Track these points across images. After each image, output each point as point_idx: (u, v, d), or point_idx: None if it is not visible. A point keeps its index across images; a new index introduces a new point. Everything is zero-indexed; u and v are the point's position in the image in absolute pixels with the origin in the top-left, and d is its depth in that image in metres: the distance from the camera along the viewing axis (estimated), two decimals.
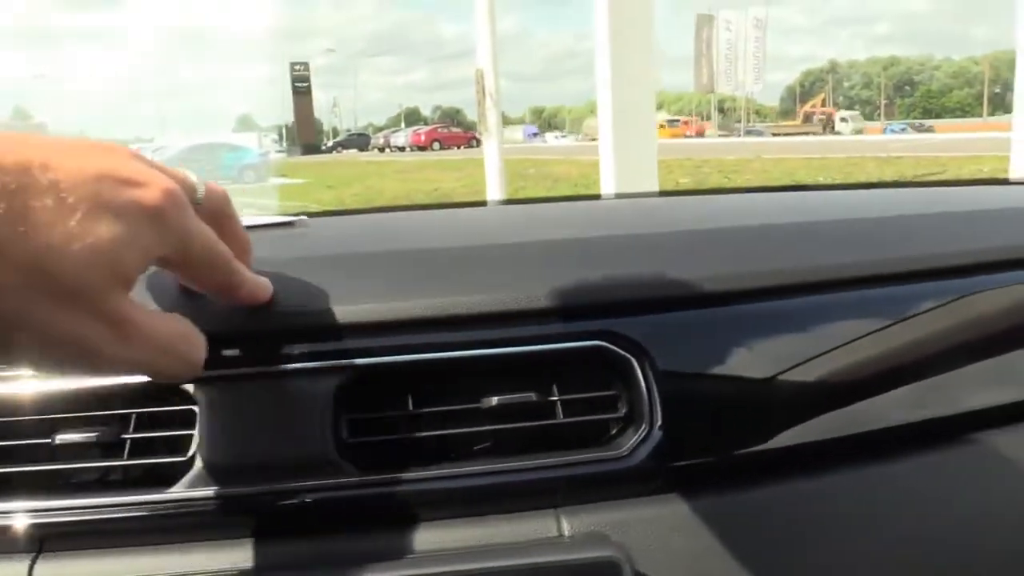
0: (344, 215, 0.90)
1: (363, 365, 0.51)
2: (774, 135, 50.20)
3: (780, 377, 0.54)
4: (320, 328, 0.51)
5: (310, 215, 0.71)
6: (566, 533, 0.49)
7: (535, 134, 66.18)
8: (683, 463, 0.52)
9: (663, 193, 1.92)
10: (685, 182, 13.46)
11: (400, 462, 0.50)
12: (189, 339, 0.43)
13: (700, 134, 56.47)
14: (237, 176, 21.81)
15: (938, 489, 0.57)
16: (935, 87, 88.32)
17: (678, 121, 62.37)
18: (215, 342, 0.49)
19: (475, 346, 0.52)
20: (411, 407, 0.52)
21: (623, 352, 0.52)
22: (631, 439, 0.51)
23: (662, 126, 57.53)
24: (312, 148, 50.61)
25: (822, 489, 0.55)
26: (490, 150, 7.84)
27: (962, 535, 0.57)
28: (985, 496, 0.59)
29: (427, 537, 0.49)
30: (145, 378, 0.50)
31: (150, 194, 0.37)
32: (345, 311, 0.52)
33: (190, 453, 0.49)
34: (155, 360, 0.40)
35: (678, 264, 0.58)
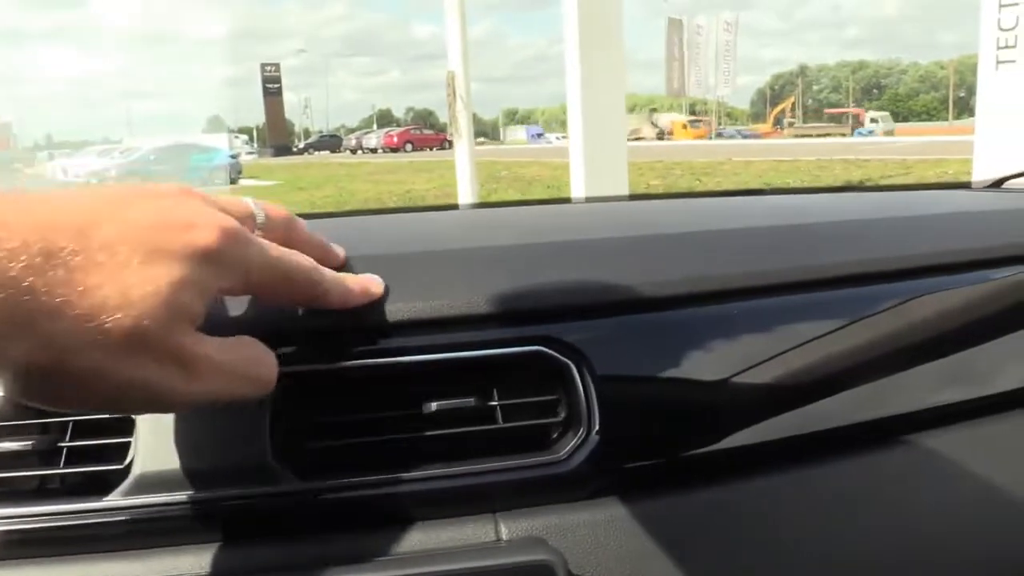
0: (308, 218, 0.90)
1: (302, 371, 0.51)
2: (798, 137, 48.19)
3: (718, 381, 0.55)
4: (258, 334, 0.51)
5: None
6: (504, 537, 0.50)
7: (539, 135, 65.83)
8: (622, 467, 0.53)
9: (633, 197, 1.94)
10: (656, 184, 13.55)
11: (339, 468, 0.50)
12: (260, 361, 0.43)
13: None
14: (207, 178, 21.60)
15: (882, 489, 0.58)
16: (902, 91, 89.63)
17: (699, 122, 58.02)
18: None
19: (415, 352, 0.52)
20: (350, 413, 0.52)
21: (562, 357, 0.53)
22: (569, 443, 0.52)
23: (684, 127, 53.58)
24: (283, 150, 50.23)
25: (762, 491, 0.55)
26: (461, 153, 7.86)
27: (911, 533, 0.58)
28: (935, 494, 0.60)
29: (364, 543, 0.49)
30: None
31: (204, 235, 0.38)
32: (284, 316, 0.52)
33: (127, 461, 0.49)
34: (228, 389, 0.41)
35: (617, 269, 0.58)
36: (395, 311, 0.53)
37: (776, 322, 0.59)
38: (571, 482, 0.51)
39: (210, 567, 0.48)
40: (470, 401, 0.52)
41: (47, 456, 0.50)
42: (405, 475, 0.50)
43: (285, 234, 0.47)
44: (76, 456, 0.50)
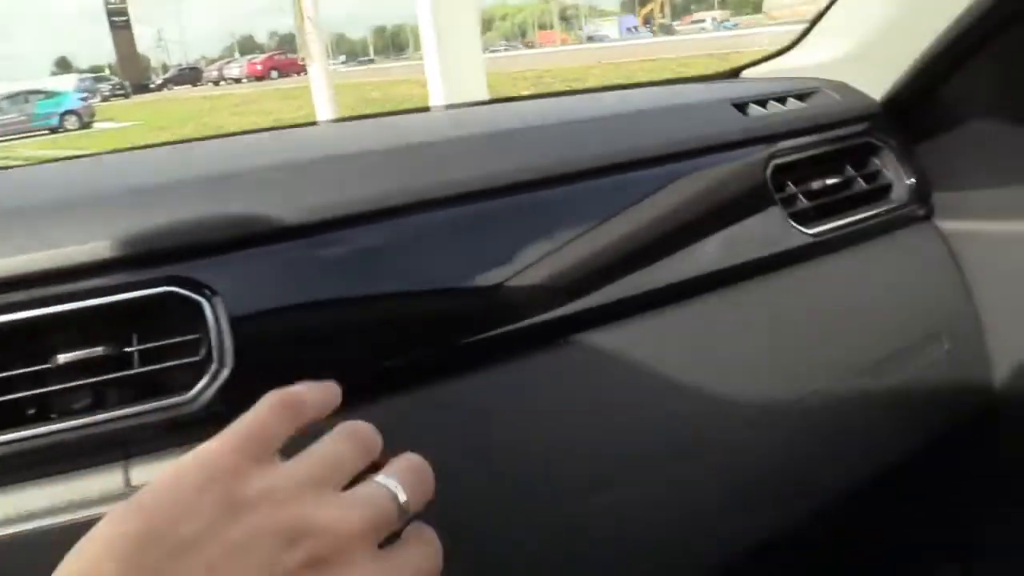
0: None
1: None
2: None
3: (372, 303, 0.56)
4: None
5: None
6: (134, 484, 0.49)
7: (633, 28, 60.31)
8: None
9: (492, 101, 1.95)
10: (530, 92, 13.46)
11: None
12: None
13: None
14: (58, 124, 20.17)
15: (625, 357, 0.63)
16: None
17: None
18: None
19: (45, 303, 0.50)
20: None
21: (193, 295, 0.52)
22: (200, 382, 0.51)
23: None
24: (140, 87, 47.17)
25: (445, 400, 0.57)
26: (316, 76, 7.56)
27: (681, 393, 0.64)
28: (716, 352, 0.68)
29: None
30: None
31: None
32: None
33: None
34: None
35: (251, 201, 0.57)
36: (20, 264, 0.50)
37: (459, 232, 0.60)
38: (202, 421, 0.50)
39: None
40: (98, 350, 0.50)
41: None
42: (26, 432, 0.48)
43: None
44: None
